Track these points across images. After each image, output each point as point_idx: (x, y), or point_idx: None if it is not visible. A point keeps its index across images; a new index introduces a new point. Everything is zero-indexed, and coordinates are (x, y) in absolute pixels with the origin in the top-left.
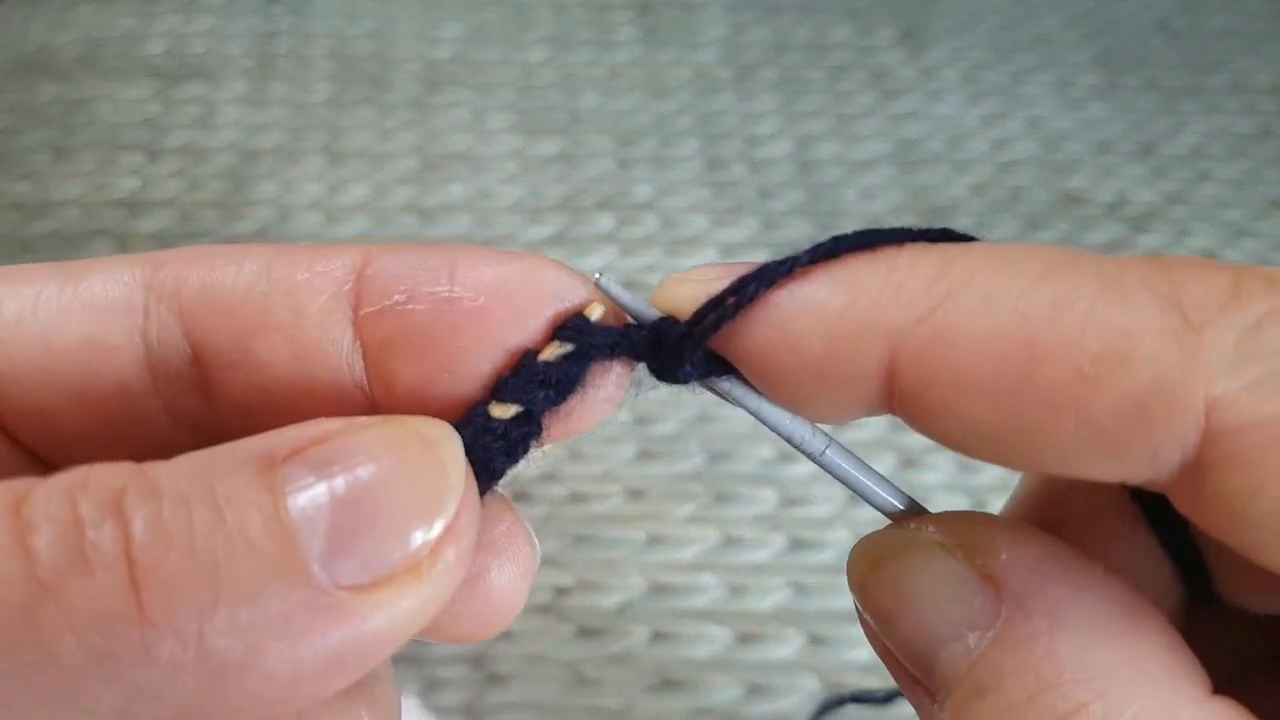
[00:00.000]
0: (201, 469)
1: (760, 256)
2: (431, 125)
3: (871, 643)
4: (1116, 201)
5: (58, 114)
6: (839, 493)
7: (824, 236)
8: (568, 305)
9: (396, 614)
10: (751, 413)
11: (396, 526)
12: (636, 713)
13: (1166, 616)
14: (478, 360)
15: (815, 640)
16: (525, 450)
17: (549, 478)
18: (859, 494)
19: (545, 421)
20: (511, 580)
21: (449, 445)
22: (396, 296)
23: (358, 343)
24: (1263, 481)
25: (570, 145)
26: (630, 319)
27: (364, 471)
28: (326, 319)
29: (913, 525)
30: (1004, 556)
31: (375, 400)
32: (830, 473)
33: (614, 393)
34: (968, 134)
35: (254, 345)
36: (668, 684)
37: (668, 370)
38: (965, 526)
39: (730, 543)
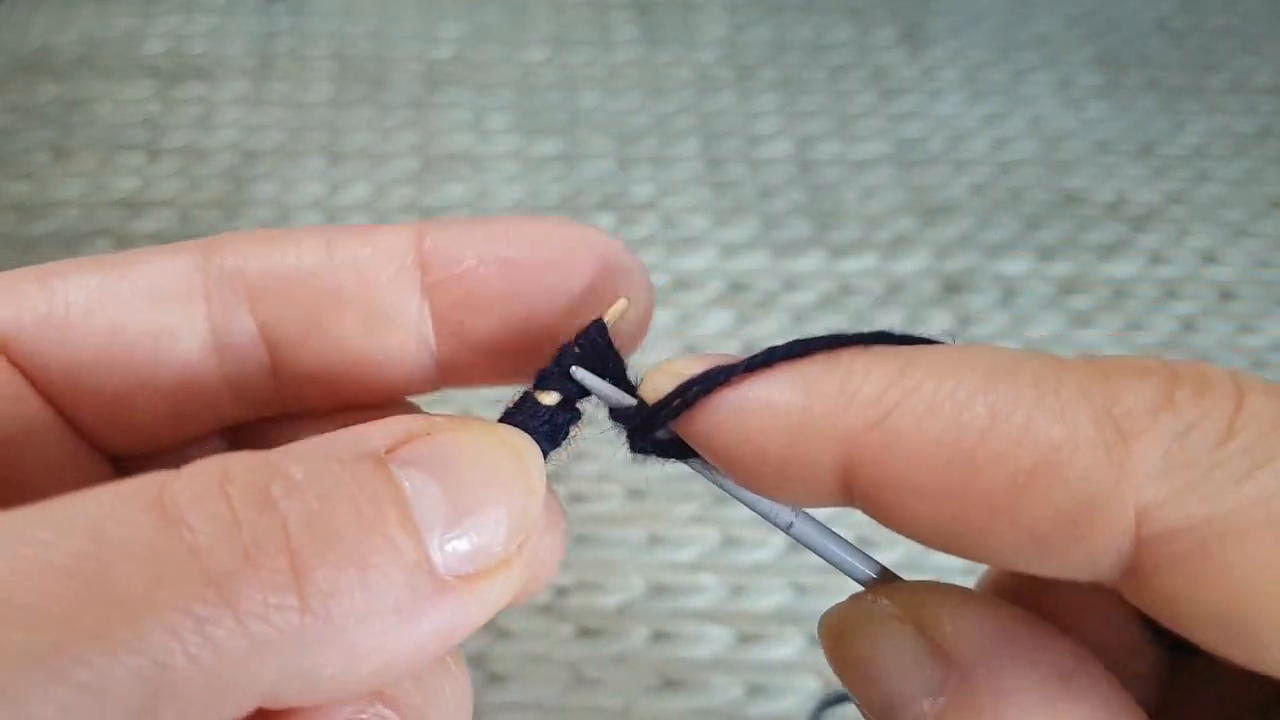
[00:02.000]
0: (327, 463)
1: (760, 256)
2: (431, 125)
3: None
4: (1116, 201)
5: (58, 114)
6: None
7: (824, 236)
8: (615, 261)
9: (490, 599)
10: (719, 487)
11: (496, 526)
12: (636, 713)
13: (1147, 668)
14: (549, 309)
15: (815, 640)
16: (566, 435)
17: (549, 477)
18: (830, 562)
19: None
20: (551, 548)
21: (531, 453)
22: (468, 262)
23: (426, 309)
24: (1194, 587)
25: (570, 145)
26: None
27: (467, 476)
28: (395, 289)
29: (869, 597)
30: (949, 629)
31: (444, 362)
32: (801, 542)
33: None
34: (968, 134)
35: (325, 320)
36: (668, 684)
37: (634, 444)
38: (922, 597)
39: (730, 543)
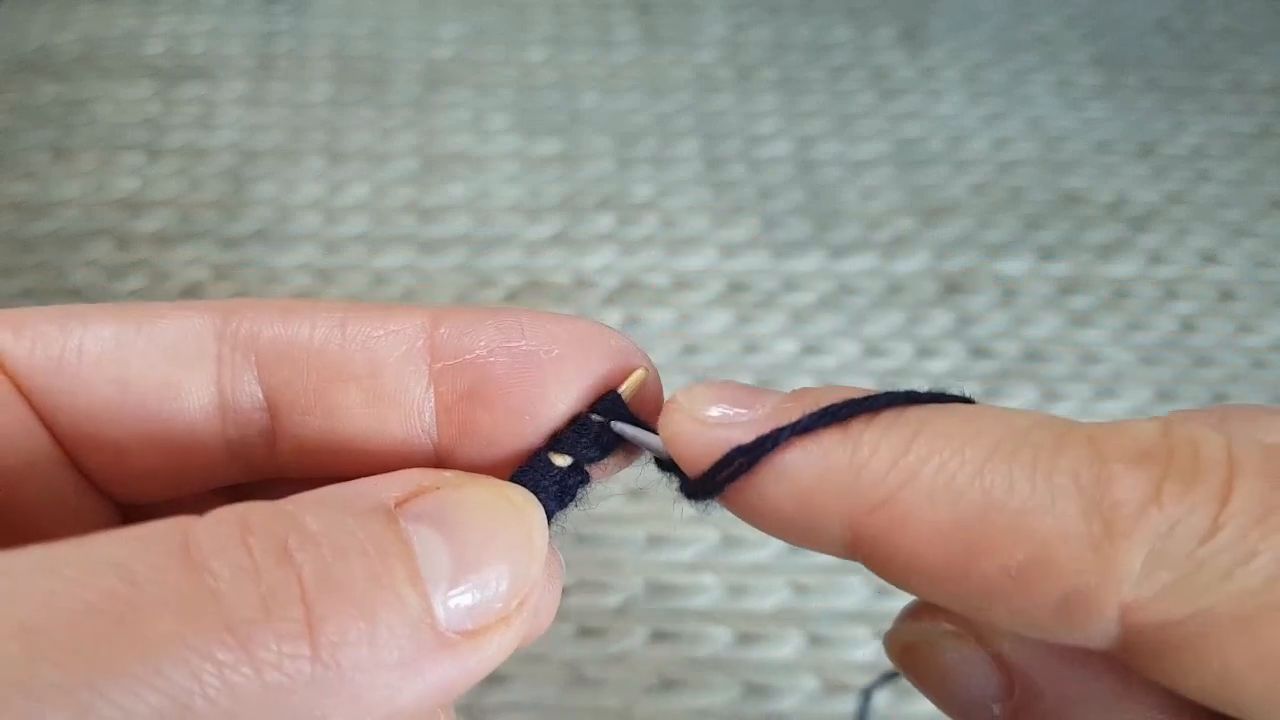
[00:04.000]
0: (341, 516)
1: (760, 256)
2: (431, 125)
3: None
4: (1116, 201)
5: (58, 114)
6: None
7: (824, 236)
8: (625, 361)
9: (489, 655)
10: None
11: (499, 583)
12: (636, 713)
13: None
14: (554, 403)
15: (815, 640)
16: (574, 497)
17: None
18: None
19: (591, 473)
20: (550, 600)
21: (535, 513)
22: (478, 351)
23: (430, 393)
24: (1184, 676)
25: (570, 145)
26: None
27: (472, 533)
28: (402, 371)
29: (925, 615)
30: (1006, 646)
31: (442, 448)
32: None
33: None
34: (968, 134)
35: (330, 394)
36: (668, 684)
37: (693, 497)
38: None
39: (730, 543)
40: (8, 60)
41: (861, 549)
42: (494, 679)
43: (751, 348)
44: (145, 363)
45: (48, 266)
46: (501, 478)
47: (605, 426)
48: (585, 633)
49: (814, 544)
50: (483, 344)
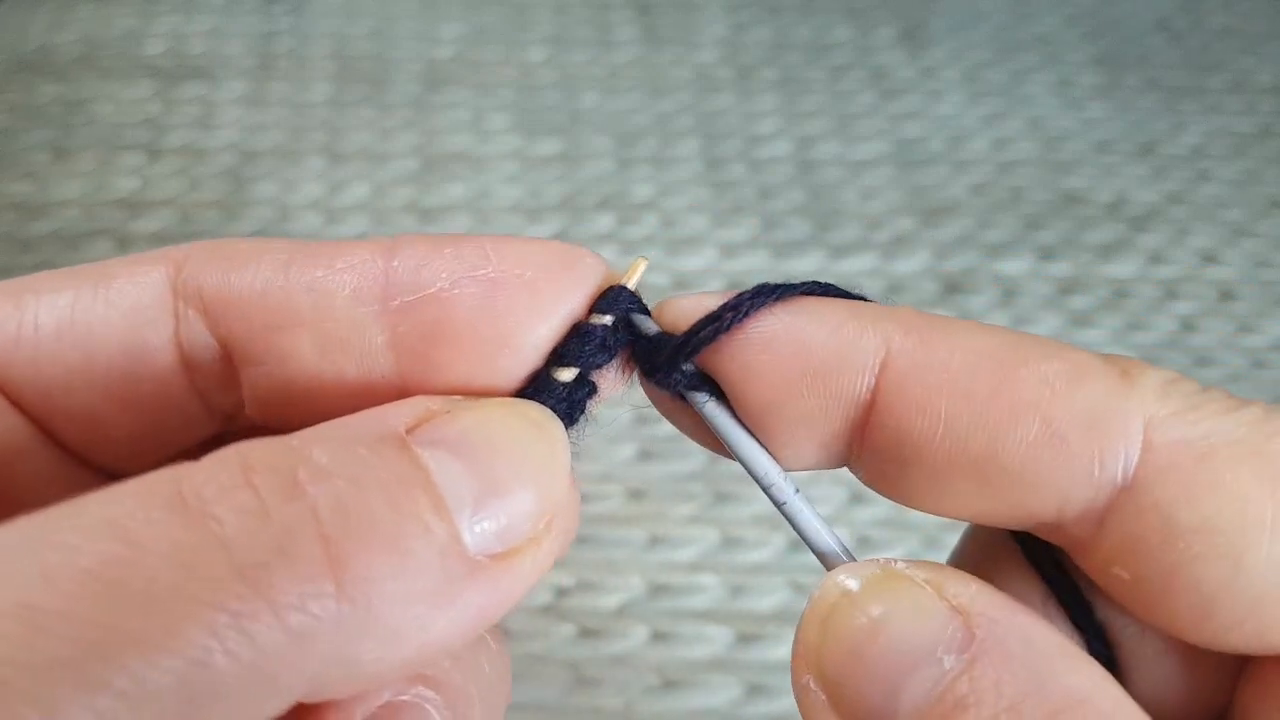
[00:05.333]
0: (352, 446)
1: (760, 256)
2: (431, 125)
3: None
4: (1116, 201)
5: (58, 114)
6: (839, 494)
7: (824, 236)
8: (599, 280)
9: (522, 577)
10: (727, 443)
11: (524, 503)
12: (636, 713)
13: None
14: (532, 332)
15: None
16: (583, 410)
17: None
18: (811, 545)
19: (597, 382)
20: (573, 517)
21: (555, 427)
22: (439, 284)
23: (386, 334)
24: (1189, 493)
25: (570, 145)
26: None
27: (494, 455)
28: (352, 312)
29: (880, 560)
30: (973, 588)
31: (408, 391)
32: (790, 520)
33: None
34: (968, 134)
35: (277, 341)
36: (668, 684)
37: (660, 374)
38: (928, 567)
39: (730, 543)
40: (8, 60)
41: (889, 382)
42: None
43: None
44: (105, 328)
45: (48, 266)
46: None
47: (611, 327)
48: (585, 633)
49: (816, 417)
50: (444, 275)
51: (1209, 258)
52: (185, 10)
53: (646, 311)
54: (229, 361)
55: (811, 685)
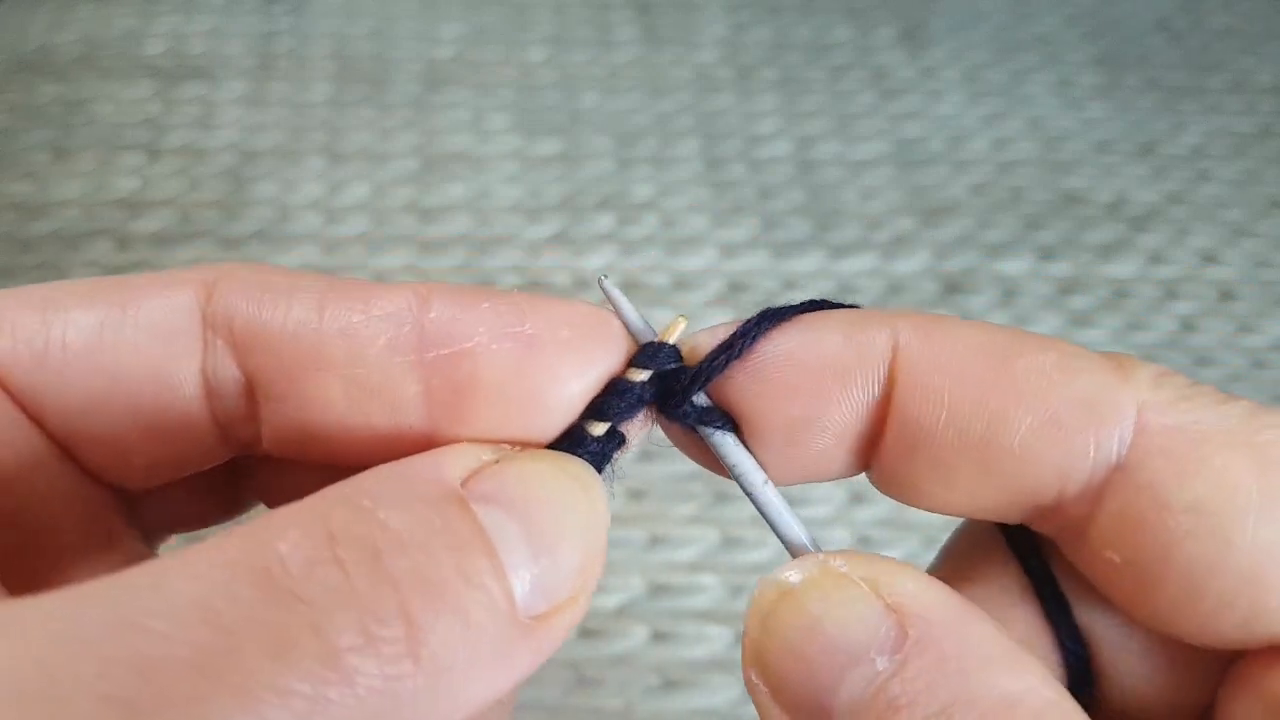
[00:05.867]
0: (419, 508)
1: (760, 256)
2: (431, 125)
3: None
4: (1116, 201)
5: (58, 114)
6: (839, 494)
7: (824, 236)
8: (628, 342)
9: (560, 635)
10: (736, 473)
11: (570, 563)
12: (637, 713)
13: None
14: (566, 390)
15: None
16: (609, 461)
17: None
18: (779, 532)
19: (626, 433)
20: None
21: (598, 484)
22: (476, 340)
23: (419, 387)
24: (1179, 475)
25: (570, 145)
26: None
27: (543, 513)
28: (387, 362)
29: (820, 557)
30: (910, 587)
31: (436, 440)
32: (762, 508)
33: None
34: (968, 134)
35: (306, 382)
36: (668, 684)
37: (675, 407)
38: (873, 565)
39: (730, 543)
40: (8, 60)
41: (899, 371)
42: None
43: None
44: (133, 352)
45: (48, 266)
46: None
47: (647, 383)
48: (586, 633)
49: (832, 427)
50: (481, 330)
51: (1209, 258)
52: (185, 10)
53: (683, 366)
54: (252, 395)
55: (755, 679)
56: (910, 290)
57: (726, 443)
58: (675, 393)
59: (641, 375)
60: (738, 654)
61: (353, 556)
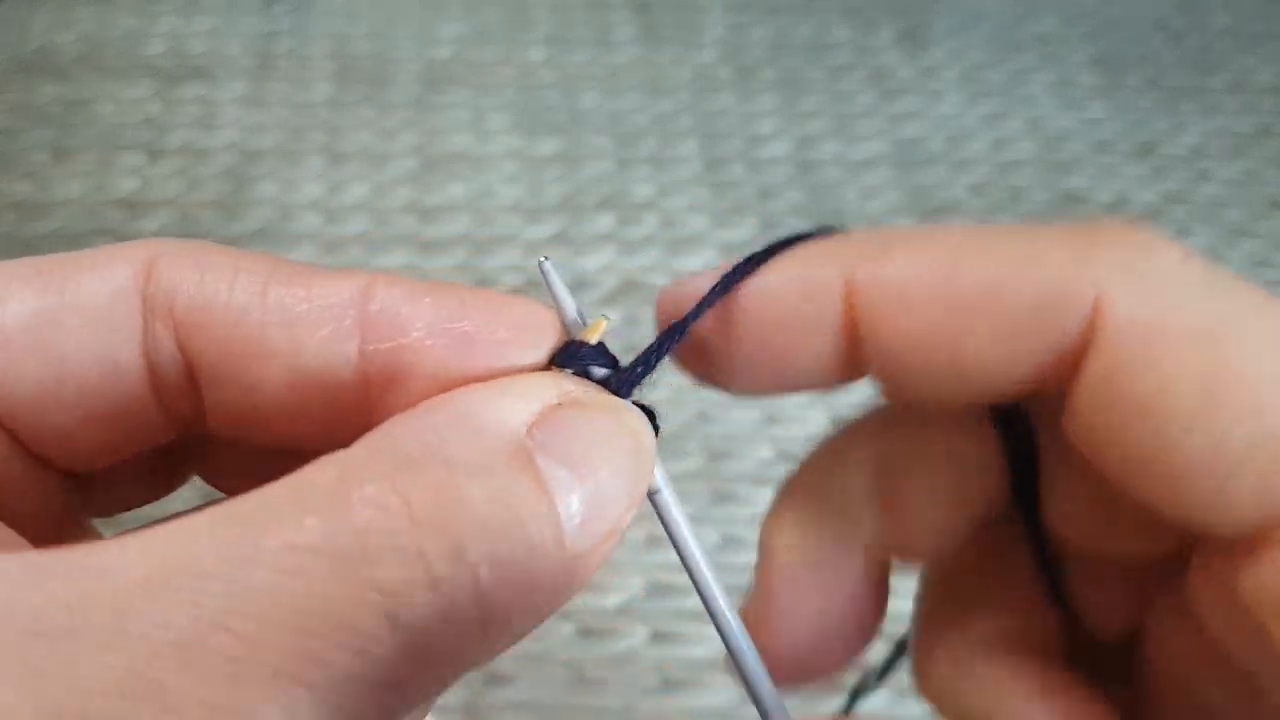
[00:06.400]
0: (499, 478)
1: None
2: (431, 125)
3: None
4: (1116, 201)
5: (58, 114)
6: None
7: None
8: (556, 340)
9: (593, 568)
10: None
11: (616, 516)
12: (637, 713)
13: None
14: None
15: None
16: None
17: None
18: (675, 543)
19: None
20: None
21: (649, 437)
22: (415, 333)
23: (358, 377)
24: (1131, 379)
25: (570, 145)
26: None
27: (602, 472)
28: (327, 351)
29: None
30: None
31: (374, 424)
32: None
33: None
34: (968, 134)
35: (248, 368)
36: (668, 684)
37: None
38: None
39: (730, 543)
40: (8, 60)
41: (856, 304)
42: (494, 679)
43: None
44: (75, 341)
45: None
46: None
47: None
48: (586, 633)
49: (810, 342)
50: (419, 326)
51: (1209, 258)
52: (185, 10)
53: (608, 366)
54: (193, 376)
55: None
56: None
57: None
58: (663, 344)
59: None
60: None
61: (437, 550)
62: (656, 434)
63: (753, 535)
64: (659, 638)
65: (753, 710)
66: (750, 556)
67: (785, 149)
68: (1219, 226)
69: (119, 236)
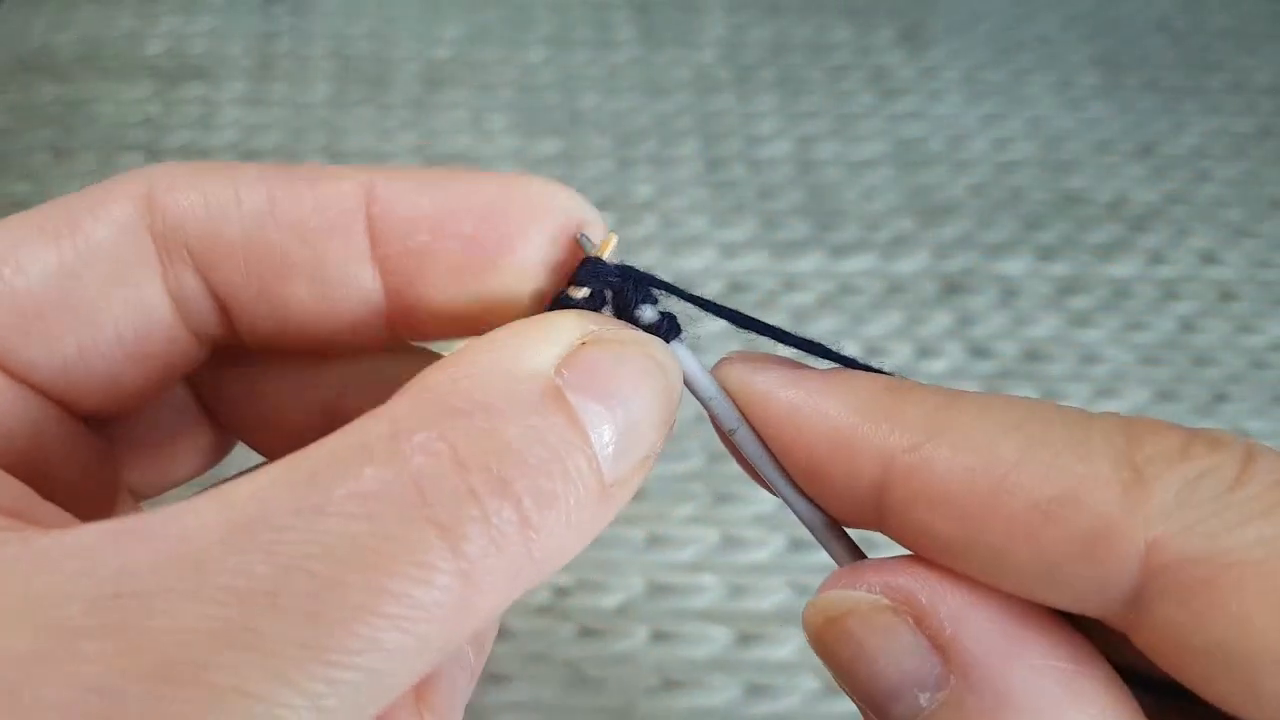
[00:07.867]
0: (534, 419)
1: (760, 256)
2: (431, 125)
3: (838, 683)
4: (1116, 201)
5: (58, 114)
6: None
7: (824, 236)
8: (577, 221)
9: (630, 492)
10: (694, 391)
11: (648, 442)
12: (637, 713)
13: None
14: (515, 283)
15: None
16: None
17: None
18: (763, 477)
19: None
20: None
21: (676, 371)
22: (421, 237)
23: (379, 278)
24: (1196, 618)
25: (570, 145)
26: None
27: (633, 404)
28: (346, 259)
29: (862, 587)
30: (949, 632)
31: (397, 324)
32: (737, 451)
33: None
34: (968, 134)
35: (274, 287)
36: (668, 684)
37: (630, 304)
38: (915, 581)
39: (730, 543)
40: (8, 60)
41: (889, 491)
42: (494, 679)
43: (752, 347)
44: (99, 291)
45: None
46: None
47: (588, 300)
48: (586, 633)
49: (839, 485)
50: (424, 229)
51: (1209, 258)
52: (185, 10)
53: (621, 279)
54: (219, 305)
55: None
56: (910, 290)
57: (683, 355)
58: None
59: (581, 292)
60: (738, 654)
61: (484, 485)
62: (680, 337)
63: (753, 535)
64: (659, 638)
65: (754, 710)
66: (750, 556)
67: (785, 149)
68: (1219, 226)
69: None
